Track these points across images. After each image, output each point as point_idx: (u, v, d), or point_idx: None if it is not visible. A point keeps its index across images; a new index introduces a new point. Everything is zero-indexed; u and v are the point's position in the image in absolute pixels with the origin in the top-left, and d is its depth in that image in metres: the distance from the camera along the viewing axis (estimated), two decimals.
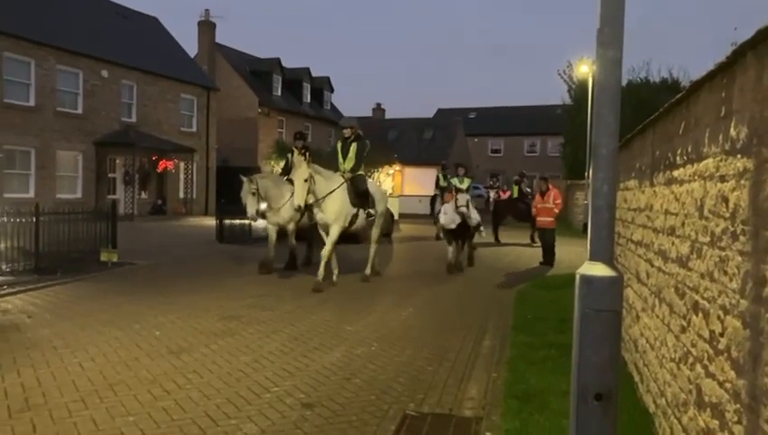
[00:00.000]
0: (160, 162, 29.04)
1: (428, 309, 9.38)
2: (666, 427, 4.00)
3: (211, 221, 21.28)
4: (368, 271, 11.99)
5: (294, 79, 42.01)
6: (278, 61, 40.92)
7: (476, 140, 59.57)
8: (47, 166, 24.45)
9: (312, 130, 41.32)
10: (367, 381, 5.77)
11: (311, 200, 10.55)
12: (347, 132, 11.64)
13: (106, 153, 26.90)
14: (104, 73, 26.79)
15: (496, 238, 20.76)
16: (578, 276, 2.77)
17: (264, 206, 12.25)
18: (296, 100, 41.92)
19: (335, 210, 10.81)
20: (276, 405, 5.09)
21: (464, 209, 12.64)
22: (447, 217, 13.02)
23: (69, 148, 25.43)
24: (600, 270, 2.72)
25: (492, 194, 28.14)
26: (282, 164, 34.11)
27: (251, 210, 11.88)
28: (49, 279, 10.82)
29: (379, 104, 59.10)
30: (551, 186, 15.83)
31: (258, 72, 39.80)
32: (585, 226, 24.91)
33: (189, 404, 5.05)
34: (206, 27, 37.69)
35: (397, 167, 44.55)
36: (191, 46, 37.52)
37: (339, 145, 11.82)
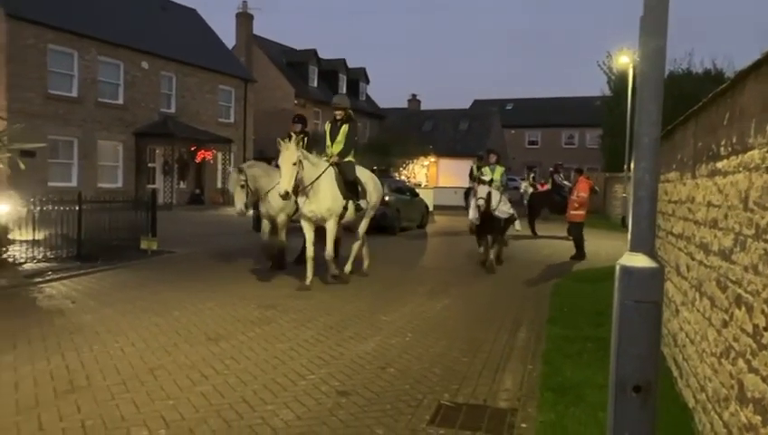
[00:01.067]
0: (198, 152, 29.45)
1: (463, 301, 9.37)
2: (706, 422, 3.94)
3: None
4: (348, 267, 10.73)
5: (330, 70, 42.15)
6: (314, 52, 41.09)
7: (513, 131, 58.96)
8: (89, 155, 24.99)
9: None
10: (401, 371, 5.79)
11: (303, 185, 9.50)
12: (338, 114, 10.41)
13: (146, 143, 27.36)
14: (144, 65, 27.24)
15: (533, 231, 20.63)
16: (618, 267, 2.73)
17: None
18: (332, 91, 41.98)
19: (328, 205, 9.77)
20: (312, 392, 5.15)
21: (481, 202, 11.55)
22: (472, 210, 12.24)
23: (110, 138, 25.94)
24: (640, 261, 2.68)
25: (524, 186, 27.89)
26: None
27: (239, 204, 10.63)
28: (91, 266, 11.08)
29: (414, 95, 58.74)
30: (580, 178, 15.56)
31: (294, 63, 40.04)
32: (623, 219, 24.63)
33: (227, 390, 5.14)
34: (244, 19, 37.99)
35: (432, 158, 44.45)
36: (229, 38, 37.85)
37: (327, 127, 10.62)
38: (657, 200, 3.31)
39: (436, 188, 36.26)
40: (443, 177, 45.41)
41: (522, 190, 28.46)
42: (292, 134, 10.47)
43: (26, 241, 11.25)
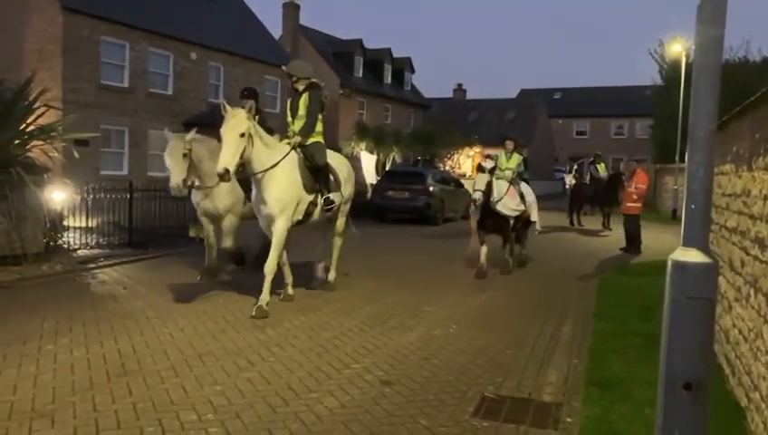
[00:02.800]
0: None
1: (507, 294, 9.29)
2: (759, 422, 3.84)
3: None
4: (331, 275, 8.93)
5: (375, 60, 42.09)
6: (360, 42, 41.09)
7: (561, 121, 58.05)
8: (139, 145, 25.52)
9: (391, 111, 41.36)
10: (445, 362, 5.79)
11: (252, 172, 7.28)
12: (300, 85, 8.02)
13: None
14: (193, 56, 27.64)
15: (571, 222, 20.61)
16: (670, 262, 2.67)
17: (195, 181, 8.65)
18: (377, 81, 42.02)
19: (278, 196, 7.44)
20: (356, 381, 5.19)
21: (478, 195, 9.79)
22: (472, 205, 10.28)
23: (159, 127, 26.24)
24: (693, 256, 2.62)
25: (568, 179, 27.42)
26: (362, 145, 33.96)
27: (177, 178, 8.10)
28: (141, 253, 11.37)
29: (460, 85, 58.41)
30: (638, 169, 15.12)
31: (340, 53, 40.11)
32: (674, 211, 24.04)
33: (273, 376, 5.22)
34: (291, 9, 38.24)
35: (477, 149, 44.11)
36: (275, 28, 38.14)
37: (288, 102, 8.34)
38: (712, 194, 3.22)
39: None
40: None
41: (567, 184, 28.04)
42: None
43: (80, 228, 11.60)
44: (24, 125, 9.97)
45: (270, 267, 7.48)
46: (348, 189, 8.81)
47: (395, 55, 43.67)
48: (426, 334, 6.74)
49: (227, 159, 6.74)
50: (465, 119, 49.57)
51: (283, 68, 8.32)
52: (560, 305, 8.50)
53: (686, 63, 25.86)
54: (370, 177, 27.54)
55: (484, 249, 10.40)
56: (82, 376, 5.06)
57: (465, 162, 42.69)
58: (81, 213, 11.68)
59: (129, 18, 24.59)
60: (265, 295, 7.38)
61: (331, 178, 8.24)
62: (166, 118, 26.51)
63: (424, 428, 4.33)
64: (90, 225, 11.83)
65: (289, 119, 8.20)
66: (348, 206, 8.99)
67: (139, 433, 4.07)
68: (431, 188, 19.88)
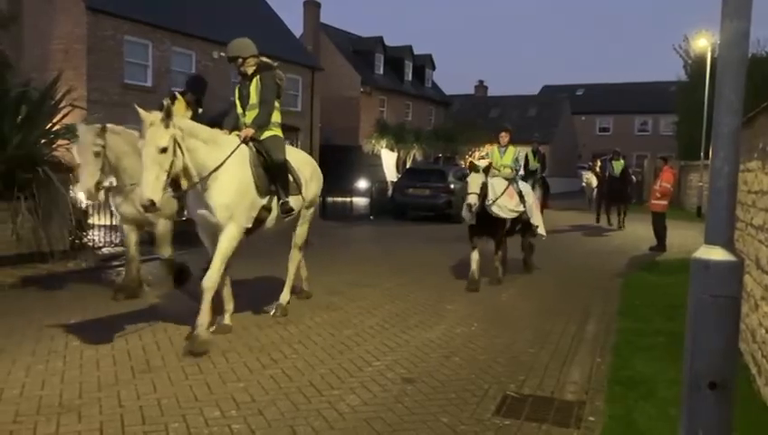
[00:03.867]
0: None
1: (530, 292, 9.25)
2: None
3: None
4: (284, 297, 7.49)
5: (396, 57, 42.05)
6: (381, 39, 41.08)
7: (584, 118, 57.52)
8: None
9: (412, 108, 41.29)
10: (467, 360, 5.78)
11: (184, 185, 5.88)
12: (249, 68, 6.76)
13: None
14: (215, 54, 27.83)
15: (597, 220, 20.72)
16: (693, 260, 2.65)
17: (110, 181, 7.35)
18: (398, 78, 41.99)
19: (225, 201, 6.01)
20: (378, 379, 5.20)
21: (473, 199, 8.77)
22: (464, 208, 9.16)
23: None
24: (718, 254, 2.59)
25: (586, 177, 27.06)
26: (383, 143, 33.89)
27: (88, 182, 6.85)
28: None
29: (481, 81, 58.12)
30: (665, 166, 14.91)
31: (361, 51, 40.15)
32: (699, 209, 23.73)
33: (295, 373, 5.26)
34: (312, 7, 38.31)
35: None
36: (296, 26, 38.24)
37: (236, 89, 7.04)
38: (737, 191, 3.18)
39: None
40: None
41: (584, 182, 27.68)
42: (178, 97, 6.88)
43: (104, 226, 11.74)
44: (50, 124, 10.12)
45: (211, 281, 5.99)
46: (311, 191, 7.48)
47: (416, 53, 43.59)
48: (447, 332, 6.74)
49: (149, 187, 5.24)
50: (487, 116, 49.38)
51: (223, 54, 6.87)
52: (583, 304, 8.44)
53: (712, 59, 25.50)
54: (391, 174, 27.56)
55: (475, 256, 9.28)
56: (108, 372, 5.14)
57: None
58: (106, 211, 11.81)
59: (152, 18, 24.85)
60: (204, 318, 5.94)
61: (291, 178, 6.88)
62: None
63: (445, 426, 4.33)
64: (114, 223, 11.96)
65: (239, 110, 6.90)
66: (311, 211, 7.79)
67: (164, 429, 4.12)
68: (452, 186, 19.82)
